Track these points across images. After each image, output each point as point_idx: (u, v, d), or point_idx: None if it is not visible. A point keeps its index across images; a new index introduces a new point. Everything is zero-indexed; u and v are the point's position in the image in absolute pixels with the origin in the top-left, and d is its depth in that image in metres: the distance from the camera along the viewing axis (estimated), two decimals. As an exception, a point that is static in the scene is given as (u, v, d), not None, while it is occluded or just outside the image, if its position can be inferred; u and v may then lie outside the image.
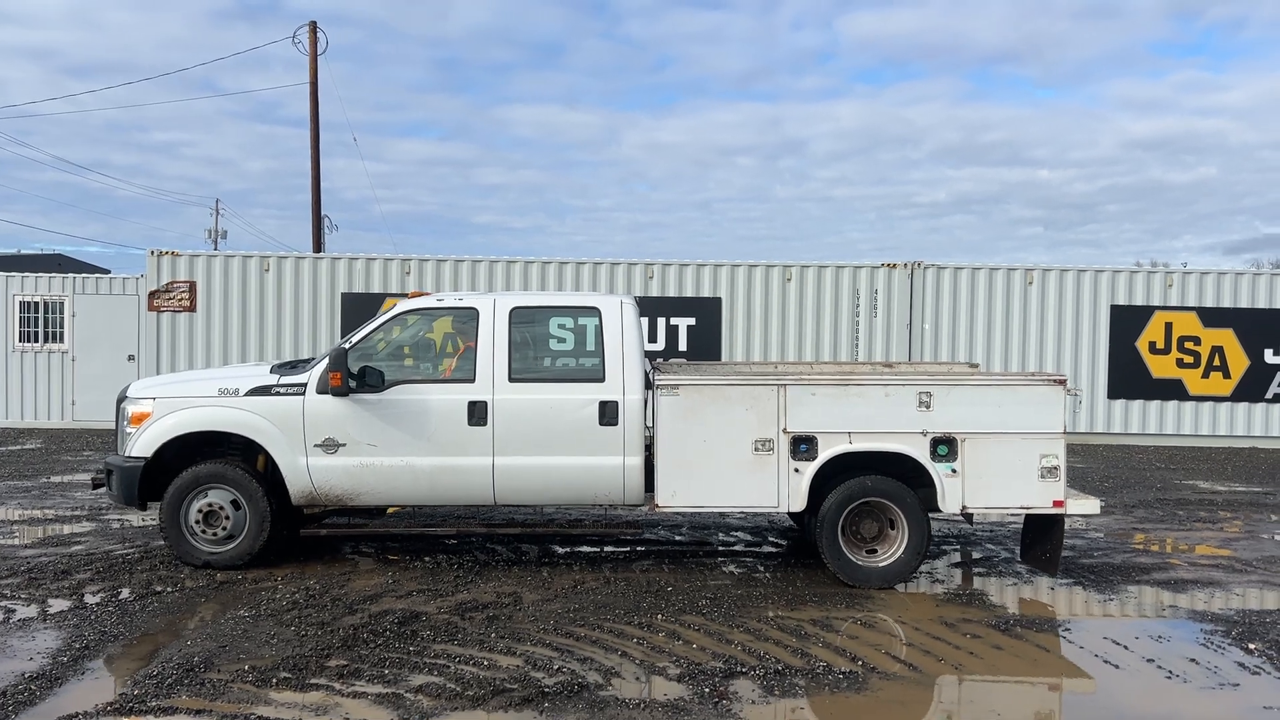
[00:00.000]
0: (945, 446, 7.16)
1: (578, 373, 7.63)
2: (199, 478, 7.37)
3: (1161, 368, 16.39)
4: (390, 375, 7.33)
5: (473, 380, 7.30)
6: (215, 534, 7.39)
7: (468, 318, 7.50)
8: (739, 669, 5.44)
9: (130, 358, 17.08)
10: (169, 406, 7.36)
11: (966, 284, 16.56)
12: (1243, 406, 16.52)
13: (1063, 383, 7.22)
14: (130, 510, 9.16)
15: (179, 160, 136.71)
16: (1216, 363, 16.40)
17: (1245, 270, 17.11)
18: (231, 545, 7.39)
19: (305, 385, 7.31)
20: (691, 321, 16.64)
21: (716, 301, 16.68)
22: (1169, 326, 16.49)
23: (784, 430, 7.17)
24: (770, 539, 8.86)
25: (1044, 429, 7.16)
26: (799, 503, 7.21)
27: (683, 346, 16.57)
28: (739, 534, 9.04)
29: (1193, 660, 5.78)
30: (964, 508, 7.19)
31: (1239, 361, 16.39)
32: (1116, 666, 5.69)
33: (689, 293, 16.70)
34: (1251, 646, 6.00)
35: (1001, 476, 7.17)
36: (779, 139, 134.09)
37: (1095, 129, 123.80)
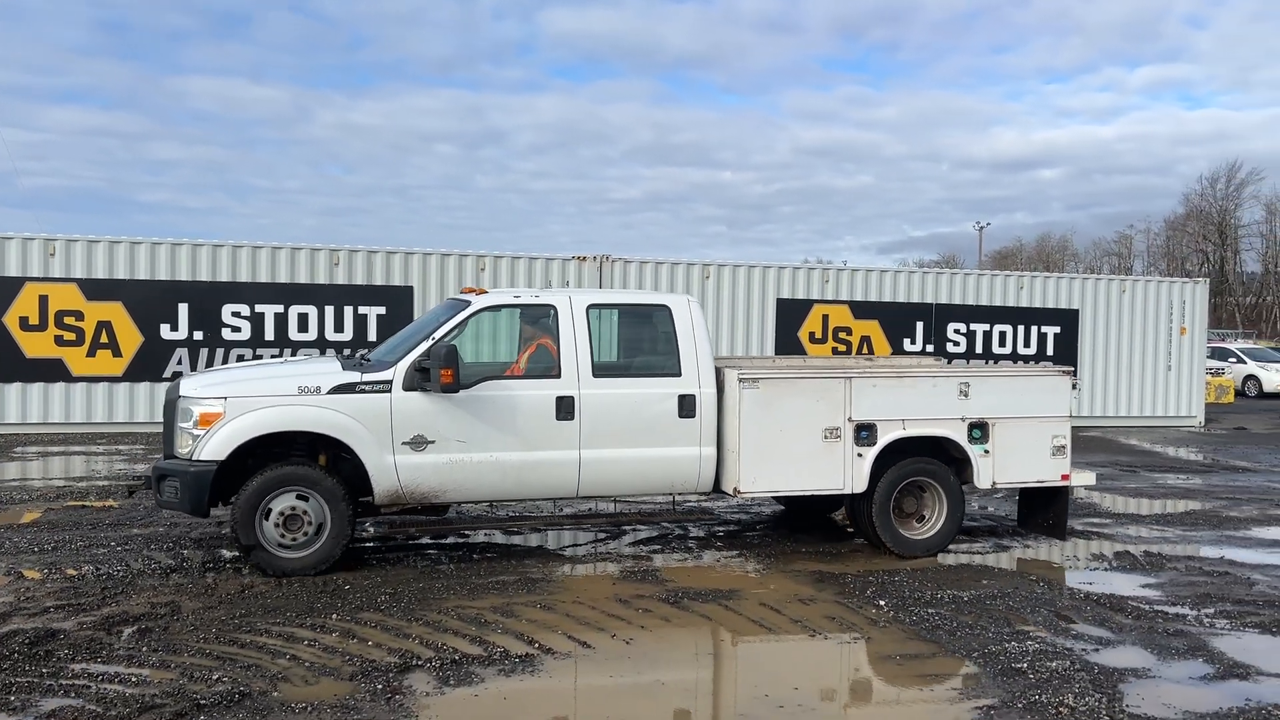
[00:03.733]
0: (979, 430, 8.01)
1: (655, 368, 7.80)
2: (278, 480, 6.95)
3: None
4: (475, 371, 7.26)
5: (558, 376, 7.39)
6: (296, 539, 7.01)
7: (545, 315, 7.57)
8: (415, 662, 5.37)
9: None
10: (244, 406, 6.90)
11: (651, 277, 17.34)
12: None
13: (1069, 374, 8.41)
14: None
15: None
16: (843, 351, 18.27)
17: (889, 268, 19.21)
18: (313, 550, 7.03)
19: (391, 382, 7.10)
20: (381, 311, 16.20)
21: (408, 291, 16.34)
22: (826, 318, 18.18)
23: (849, 419, 7.75)
24: (463, 531, 8.80)
25: (1055, 413, 8.20)
26: (861, 484, 7.80)
27: (372, 336, 16.09)
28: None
29: (831, 618, 6.42)
30: (994, 483, 8.11)
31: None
32: (770, 629, 6.20)
33: (379, 281, 16.25)
34: (881, 603, 6.75)
35: (1022, 455, 8.11)
36: (480, 128, 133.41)
37: (773, 135, 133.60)
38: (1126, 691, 5.22)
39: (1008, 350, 18.91)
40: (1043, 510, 8.66)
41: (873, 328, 18.34)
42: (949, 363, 10.45)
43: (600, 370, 7.51)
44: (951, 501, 8.05)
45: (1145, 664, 5.68)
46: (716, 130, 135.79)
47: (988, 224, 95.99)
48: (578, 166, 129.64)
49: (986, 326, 18.94)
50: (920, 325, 18.57)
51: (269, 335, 15.74)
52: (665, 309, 7.82)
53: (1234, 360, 29.69)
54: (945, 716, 4.89)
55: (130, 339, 15.24)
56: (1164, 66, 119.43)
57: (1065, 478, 8.28)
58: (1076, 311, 19.29)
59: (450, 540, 8.41)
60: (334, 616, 6.14)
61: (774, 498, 8.84)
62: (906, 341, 18.46)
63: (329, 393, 7.01)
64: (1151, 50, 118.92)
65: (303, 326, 15.90)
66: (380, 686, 5.02)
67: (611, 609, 6.48)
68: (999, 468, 8.09)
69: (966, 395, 8.00)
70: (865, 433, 7.79)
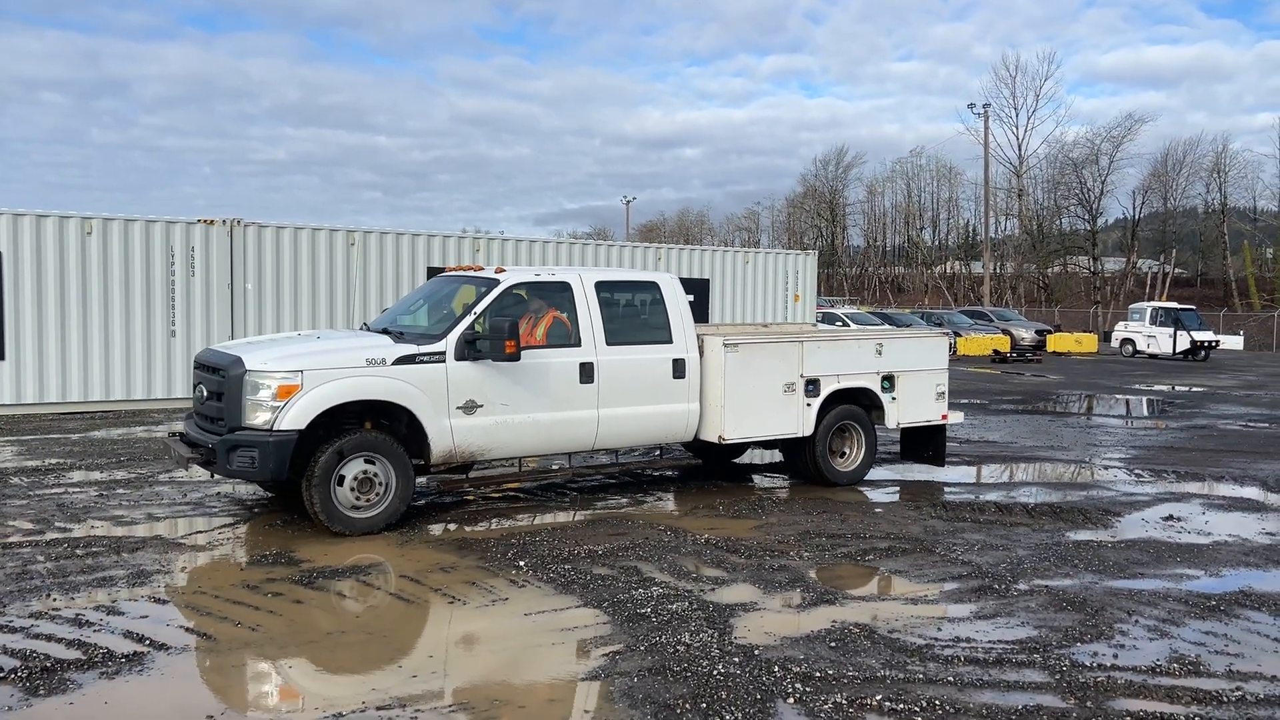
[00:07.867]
0: (889, 381, 9.90)
1: (651, 336, 8.94)
2: (350, 446, 7.44)
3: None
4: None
5: (579, 345, 8.41)
6: (368, 499, 7.58)
7: (561, 290, 8.53)
8: (-5, 676, 4.73)
9: None
10: (321, 378, 7.35)
11: (290, 243, 16.40)
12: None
13: (948, 334, 11.06)
14: None
15: None
16: (515, 320, 18.52)
17: (539, 239, 19.54)
18: (380, 510, 7.62)
19: (444, 353, 7.81)
20: (-40, 280, 13.99)
21: (-6, 257, 14.23)
22: (477, 287, 18.13)
23: (801, 375, 9.36)
24: (57, 524, 7.85)
25: (938, 366, 10.29)
26: (809, 428, 9.43)
27: (-51, 309, 13.87)
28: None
29: (472, 584, 6.46)
30: (898, 423, 10.04)
31: (533, 318, 18.70)
32: (409, 600, 6.12)
33: (-45, 246, 14.00)
34: (522, 564, 6.90)
35: (917, 400, 10.08)
36: (97, 77, 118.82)
37: (429, 101, 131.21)
38: (736, 625, 5.73)
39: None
40: (923, 445, 10.66)
41: (522, 296, 18.56)
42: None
43: (612, 339, 8.58)
44: (869, 440, 9.95)
45: (753, 598, 6.27)
46: (370, 93, 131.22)
47: (634, 199, 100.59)
48: (215, 124, 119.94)
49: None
50: (567, 294, 19.06)
51: None
52: (655, 285, 9.14)
53: (840, 324, 33.46)
54: (575, 666, 5.09)
55: None
56: (788, 57, 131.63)
57: (944, 417, 10.42)
58: (708, 281, 20.74)
59: (48, 536, 7.48)
60: (-111, 635, 5.25)
61: (692, 452, 10.66)
62: (555, 310, 18.89)
63: (393, 364, 7.59)
64: (778, 41, 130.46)
65: None
66: (-53, 709, 4.38)
67: (238, 596, 6.09)
68: (901, 411, 10.02)
69: (880, 354, 9.86)
70: (812, 386, 9.43)
